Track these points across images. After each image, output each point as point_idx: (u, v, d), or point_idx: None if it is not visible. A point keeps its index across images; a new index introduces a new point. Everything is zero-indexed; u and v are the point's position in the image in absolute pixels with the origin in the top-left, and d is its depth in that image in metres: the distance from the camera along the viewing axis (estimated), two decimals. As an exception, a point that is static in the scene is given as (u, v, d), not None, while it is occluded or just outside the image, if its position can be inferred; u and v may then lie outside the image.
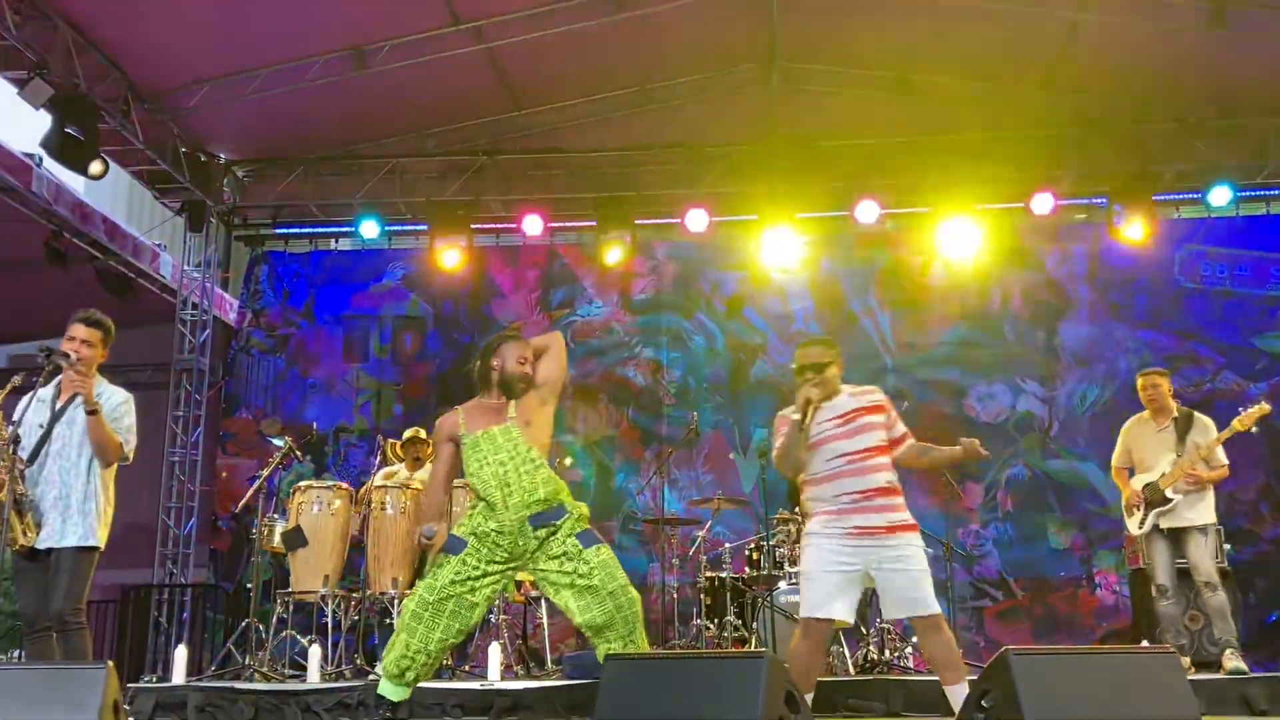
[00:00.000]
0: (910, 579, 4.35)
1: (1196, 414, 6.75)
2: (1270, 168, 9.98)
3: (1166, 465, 6.58)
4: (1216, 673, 6.46)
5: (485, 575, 4.29)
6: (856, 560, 4.38)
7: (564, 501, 4.37)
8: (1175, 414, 6.72)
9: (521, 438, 4.37)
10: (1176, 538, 6.57)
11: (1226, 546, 7.97)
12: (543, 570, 4.33)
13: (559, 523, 4.31)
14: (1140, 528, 6.69)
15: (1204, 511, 6.54)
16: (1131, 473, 6.87)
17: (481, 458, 4.37)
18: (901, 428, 4.62)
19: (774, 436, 4.66)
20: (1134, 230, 9.80)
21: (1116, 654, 3.57)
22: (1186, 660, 6.49)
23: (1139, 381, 6.90)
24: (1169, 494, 6.53)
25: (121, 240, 9.83)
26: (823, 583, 4.39)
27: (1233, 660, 6.33)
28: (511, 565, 4.36)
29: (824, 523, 4.48)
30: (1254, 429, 6.47)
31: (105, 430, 4.75)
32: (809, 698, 4.47)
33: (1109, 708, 3.22)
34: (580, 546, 4.28)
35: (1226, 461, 6.60)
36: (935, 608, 4.36)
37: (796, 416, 4.46)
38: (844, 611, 4.41)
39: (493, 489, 4.32)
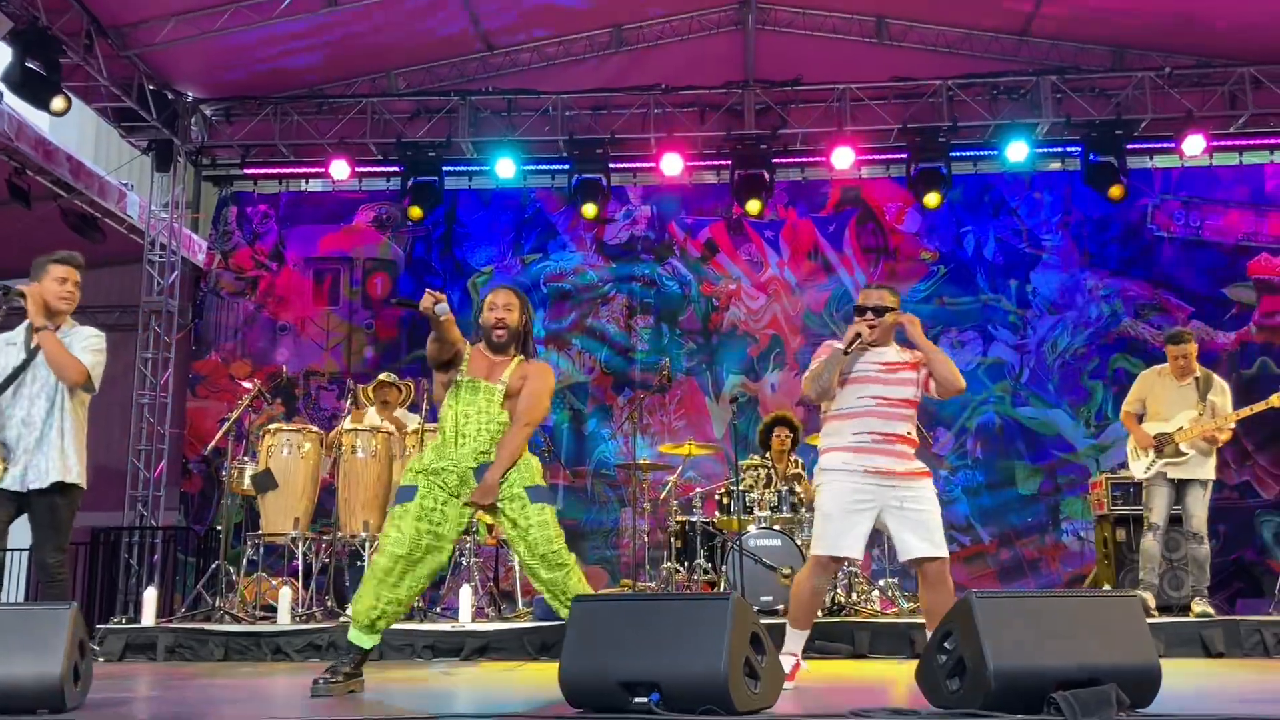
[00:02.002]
0: (926, 520, 4.43)
1: (1214, 375, 6.98)
2: (1244, 118, 9.98)
3: (1184, 420, 6.77)
4: (1177, 616, 6.66)
5: (445, 515, 4.32)
6: (873, 498, 4.45)
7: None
8: (1198, 373, 6.90)
9: (499, 402, 4.40)
10: (1179, 486, 6.80)
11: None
12: (498, 516, 4.41)
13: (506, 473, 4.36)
14: (1146, 472, 6.89)
15: (1210, 468, 6.80)
16: (1140, 419, 7.02)
17: (459, 398, 4.42)
18: (924, 371, 4.64)
19: (813, 360, 4.70)
20: (1107, 178, 9.79)
21: (1078, 598, 3.60)
22: (1152, 600, 6.68)
23: (1170, 350, 6.98)
24: (1183, 448, 6.72)
25: (87, 179, 9.66)
26: (841, 522, 4.46)
27: (1201, 606, 6.62)
28: (468, 510, 4.39)
29: (842, 460, 4.52)
30: None
31: (60, 346, 4.67)
32: (805, 635, 4.59)
33: (1070, 650, 3.25)
34: (527, 500, 4.33)
35: (1234, 425, 6.82)
36: (946, 551, 4.46)
37: (840, 346, 4.54)
38: (859, 550, 4.52)
39: (449, 430, 4.38)
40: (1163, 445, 6.79)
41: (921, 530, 4.40)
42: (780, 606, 7.06)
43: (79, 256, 4.83)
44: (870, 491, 4.45)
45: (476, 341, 4.61)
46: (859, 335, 4.52)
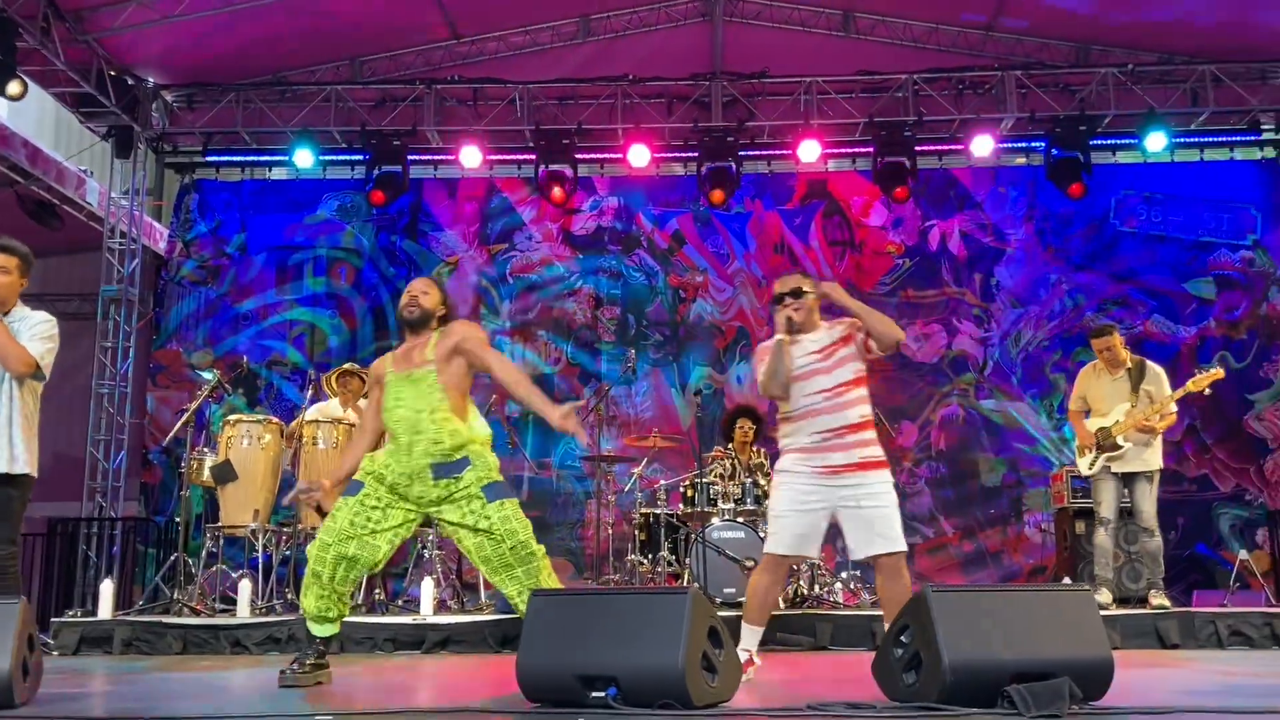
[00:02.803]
0: (880, 515, 4.40)
1: (1149, 363, 7.01)
2: (1205, 115, 10.08)
3: (1120, 413, 6.82)
4: (1135, 608, 6.72)
5: (385, 516, 4.29)
6: (824, 499, 4.44)
7: (470, 454, 4.32)
8: (1129, 364, 6.93)
9: (436, 385, 4.34)
10: (1125, 479, 6.85)
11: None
12: (447, 519, 4.34)
13: (462, 474, 4.29)
14: (1091, 468, 6.92)
15: (1153, 458, 6.82)
16: (1087, 415, 7.05)
17: (397, 398, 4.38)
18: (861, 335, 4.57)
19: (756, 365, 4.68)
20: (1070, 174, 9.86)
21: (1033, 592, 3.63)
22: (1109, 595, 6.73)
23: (1094, 344, 7.08)
24: (1120, 441, 6.75)
25: (44, 165, 9.50)
26: (793, 522, 4.45)
27: (1158, 598, 6.68)
28: (415, 510, 4.36)
29: (796, 460, 4.52)
30: (1207, 390, 6.70)
31: (6, 335, 4.55)
32: (760, 631, 4.57)
33: (1024, 644, 3.28)
34: (485, 499, 4.27)
35: (1175, 410, 6.88)
36: (903, 545, 4.44)
37: (780, 336, 4.50)
38: (812, 549, 4.52)
39: (401, 432, 4.33)
40: (1102, 441, 6.85)
41: (876, 526, 4.39)
42: (743, 599, 7.07)
43: (3, 240, 4.71)
44: (822, 492, 4.43)
45: (398, 345, 4.59)
46: (789, 319, 4.49)
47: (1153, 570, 6.81)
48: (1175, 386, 6.87)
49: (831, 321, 4.69)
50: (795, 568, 7.44)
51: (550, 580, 4.31)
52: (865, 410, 4.54)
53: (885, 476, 4.48)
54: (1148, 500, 6.76)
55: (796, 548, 4.45)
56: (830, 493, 4.43)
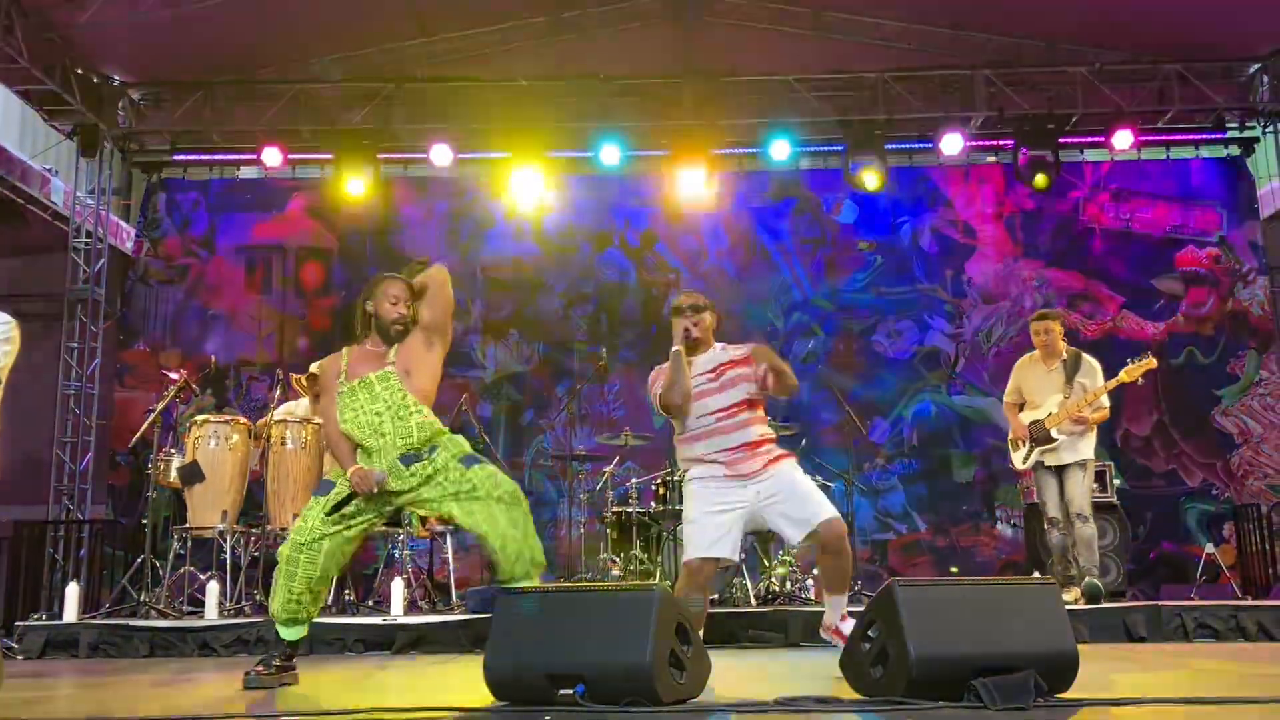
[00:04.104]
0: (798, 498, 4.41)
1: (1085, 356, 6.96)
2: (1171, 113, 10.16)
3: (1054, 405, 6.78)
4: (1107, 602, 6.73)
5: (358, 506, 4.23)
6: (740, 498, 4.43)
7: (437, 443, 4.27)
8: (1064, 355, 6.90)
9: (399, 385, 4.25)
10: (1060, 472, 6.80)
11: (1117, 481, 8.27)
12: (426, 498, 4.26)
13: (434, 456, 4.23)
14: (1024, 463, 6.91)
15: (1084, 449, 6.77)
16: (1022, 409, 7.04)
17: (357, 406, 4.25)
18: (763, 367, 4.47)
19: (652, 386, 4.67)
20: (1037, 171, 9.91)
21: (999, 585, 3.65)
22: (1076, 591, 6.73)
23: (1032, 326, 7.09)
24: (1054, 433, 6.73)
25: (8, 164, 9.39)
26: (707, 525, 4.44)
27: (1090, 584, 6.64)
28: (389, 505, 4.31)
29: (702, 470, 4.53)
30: (1140, 380, 6.69)
31: None
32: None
33: (990, 637, 3.29)
34: (463, 468, 4.21)
35: (1109, 404, 6.84)
36: (834, 511, 4.42)
37: (677, 347, 4.50)
38: (729, 550, 4.46)
39: (367, 437, 4.23)
40: (1036, 435, 6.83)
41: (797, 510, 4.39)
42: (714, 596, 7.07)
43: None
44: (738, 493, 4.44)
45: (359, 340, 4.45)
46: (687, 330, 4.52)
47: (1087, 558, 6.73)
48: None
49: (731, 345, 4.69)
50: (766, 564, 7.46)
51: (536, 545, 4.25)
52: (763, 430, 4.56)
53: (790, 464, 4.54)
54: (1079, 486, 6.69)
55: (711, 550, 4.42)
56: (746, 492, 4.43)
